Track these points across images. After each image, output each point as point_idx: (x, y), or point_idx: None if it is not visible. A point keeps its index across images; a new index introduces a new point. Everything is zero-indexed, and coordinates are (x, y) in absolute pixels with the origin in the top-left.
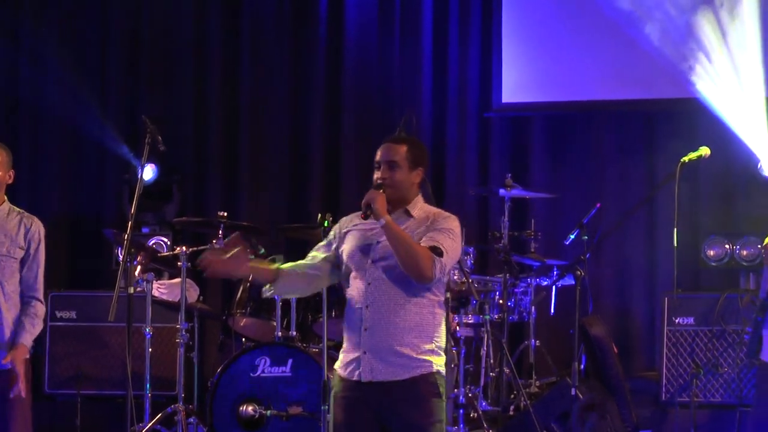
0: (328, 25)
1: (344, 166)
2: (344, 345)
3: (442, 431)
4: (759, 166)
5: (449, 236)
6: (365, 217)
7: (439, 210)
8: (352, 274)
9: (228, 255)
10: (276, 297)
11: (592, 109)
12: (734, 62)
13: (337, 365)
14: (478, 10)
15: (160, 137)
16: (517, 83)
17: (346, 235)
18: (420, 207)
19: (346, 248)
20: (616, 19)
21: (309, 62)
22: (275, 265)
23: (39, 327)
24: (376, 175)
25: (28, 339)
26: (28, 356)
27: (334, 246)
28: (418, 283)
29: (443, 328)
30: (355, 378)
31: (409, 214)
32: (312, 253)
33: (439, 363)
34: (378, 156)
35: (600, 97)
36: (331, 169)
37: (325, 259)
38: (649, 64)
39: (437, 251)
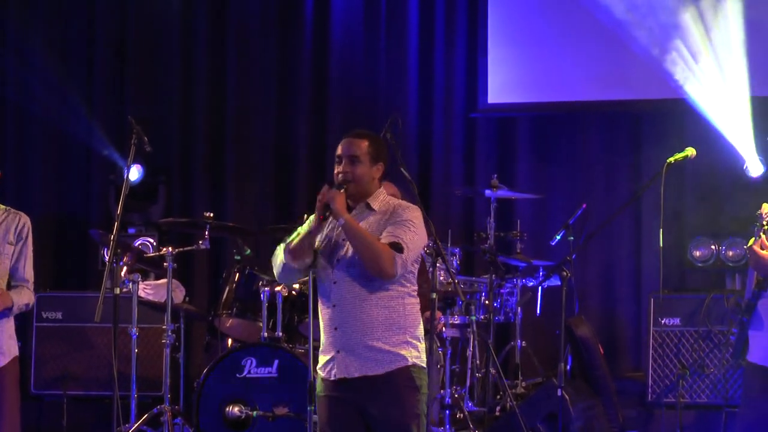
0: (314, 27)
1: (329, 167)
2: (321, 345)
3: (423, 425)
4: (745, 167)
5: (410, 228)
6: (323, 218)
7: (400, 201)
8: (320, 274)
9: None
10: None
11: (578, 110)
12: (720, 63)
13: (318, 366)
14: (464, 11)
15: (146, 138)
16: (502, 84)
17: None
18: (381, 200)
19: (318, 246)
20: (602, 20)
21: (295, 64)
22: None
23: (24, 301)
24: (337, 169)
25: (13, 297)
26: (17, 353)
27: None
28: (381, 280)
29: (417, 317)
30: (332, 377)
31: (370, 208)
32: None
33: (414, 355)
34: (339, 150)
35: (586, 97)
36: (316, 170)
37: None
38: (635, 64)
39: (397, 247)
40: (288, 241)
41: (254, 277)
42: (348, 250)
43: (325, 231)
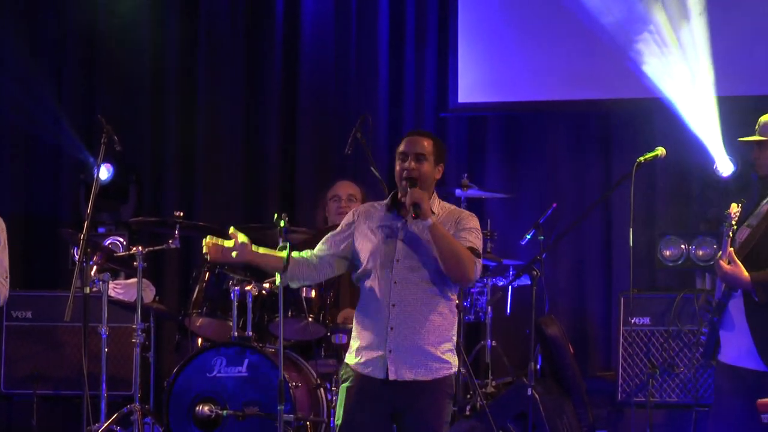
0: (285, 27)
1: (300, 167)
2: (361, 342)
3: (447, 430)
4: (714, 167)
5: (477, 235)
6: (415, 216)
7: (455, 206)
8: (374, 273)
9: (228, 243)
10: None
11: (548, 110)
12: (688, 63)
13: (352, 361)
14: (434, 10)
15: (116, 137)
16: (473, 83)
17: (362, 229)
18: (438, 203)
19: (365, 245)
20: (572, 20)
21: (265, 63)
22: (283, 254)
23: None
24: (402, 166)
25: None
26: None
27: (346, 238)
28: (456, 284)
29: (456, 324)
30: (378, 376)
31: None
32: (321, 245)
33: (455, 364)
34: (403, 147)
35: (556, 97)
36: (286, 170)
37: (334, 254)
38: (604, 64)
39: (475, 252)
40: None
41: (224, 277)
42: (408, 250)
43: (380, 230)
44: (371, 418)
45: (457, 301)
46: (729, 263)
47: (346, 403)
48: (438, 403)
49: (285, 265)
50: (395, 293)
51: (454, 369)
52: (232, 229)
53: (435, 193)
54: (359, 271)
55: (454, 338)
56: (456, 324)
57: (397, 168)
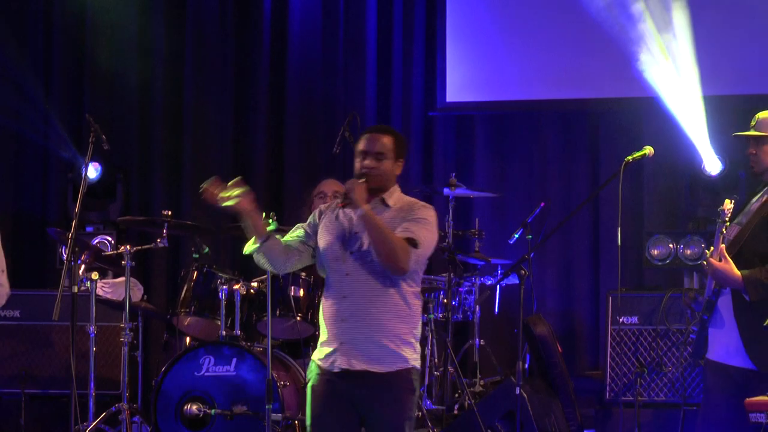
0: (272, 25)
1: (287, 166)
2: (322, 336)
3: (412, 428)
4: (702, 166)
5: (425, 226)
6: (344, 205)
7: (415, 200)
8: (330, 265)
9: (230, 190)
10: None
11: (536, 109)
12: (675, 63)
13: (315, 356)
14: (422, 9)
15: (104, 136)
16: (461, 82)
17: (323, 223)
18: (396, 197)
19: (323, 238)
20: (560, 19)
21: (253, 62)
22: (270, 227)
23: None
24: (360, 164)
25: None
26: None
27: (312, 230)
28: (393, 274)
29: (420, 319)
30: (333, 369)
31: (385, 204)
32: (291, 235)
33: (414, 357)
34: (362, 146)
35: (544, 96)
36: (274, 169)
37: (303, 241)
38: (592, 64)
39: (412, 242)
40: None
41: (212, 276)
42: (363, 243)
43: (336, 224)
44: (337, 414)
45: (417, 289)
46: (720, 260)
47: (312, 404)
48: (398, 398)
49: (267, 236)
50: (346, 285)
51: (413, 363)
52: (236, 180)
53: (397, 186)
54: (319, 264)
55: (416, 331)
56: (418, 315)
57: (357, 165)
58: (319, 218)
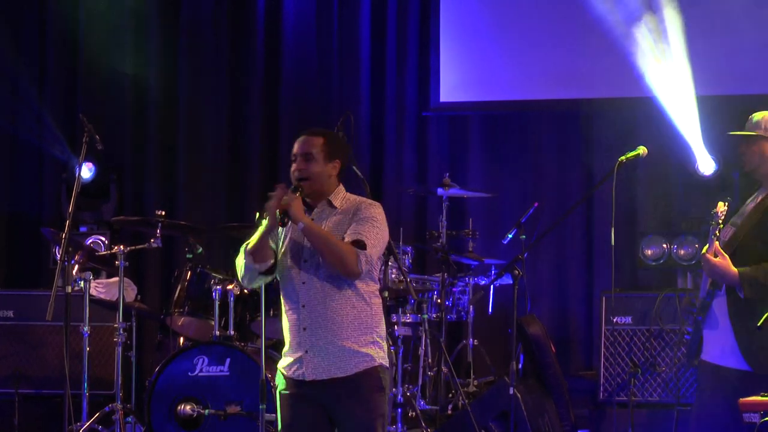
0: (266, 26)
1: (282, 166)
2: (285, 345)
3: (385, 425)
4: (696, 166)
5: (372, 225)
6: (282, 224)
7: (362, 198)
8: (285, 274)
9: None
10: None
11: (530, 109)
12: (669, 62)
13: (281, 365)
14: (416, 9)
15: (98, 136)
16: (455, 82)
17: (283, 232)
18: (342, 197)
19: (281, 249)
20: (553, 19)
21: (247, 62)
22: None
23: None
24: (293, 167)
25: None
26: None
27: (276, 240)
28: (346, 278)
29: (382, 317)
30: (299, 377)
31: (332, 206)
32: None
33: (380, 355)
34: (295, 149)
35: (537, 96)
36: (269, 169)
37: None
38: (586, 64)
39: (360, 244)
40: (247, 243)
41: (206, 276)
42: (310, 250)
43: (290, 232)
44: (307, 419)
45: (375, 287)
46: (716, 257)
47: (282, 412)
48: (365, 398)
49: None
50: (303, 293)
51: (380, 361)
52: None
53: (341, 187)
54: (278, 273)
55: (379, 329)
56: (379, 313)
57: (291, 170)
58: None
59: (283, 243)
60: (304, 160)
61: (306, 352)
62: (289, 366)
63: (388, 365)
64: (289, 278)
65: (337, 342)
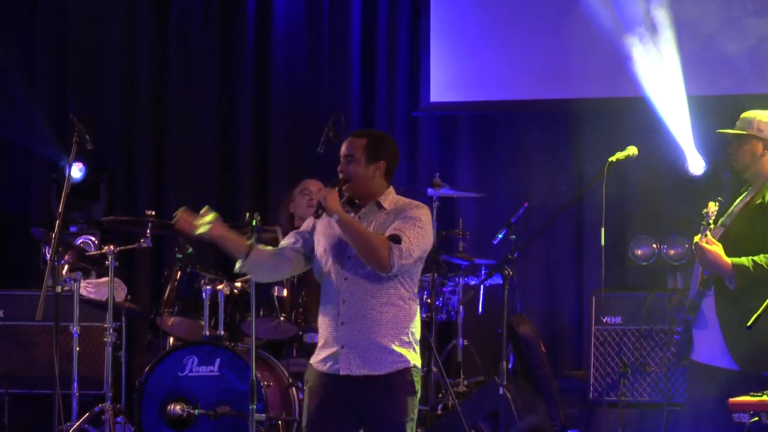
0: (257, 25)
1: (272, 166)
2: (320, 340)
3: (413, 429)
4: (686, 166)
5: (414, 224)
6: (317, 216)
7: (410, 200)
8: (326, 270)
9: (201, 218)
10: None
11: (520, 109)
12: (660, 62)
13: (313, 360)
14: (407, 9)
15: (88, 136)
16: (445, 83)
17: (320, 228)
18: (392, 199)
19: (320, 245)
20: (543, 19)
21: (237, 62)
22: (249, 242)
23: None
24: (339, 168)
25: None
26: None
27: (306, 237)
28: (378, 272)
29: (419, 321)
30: (333, 373)
31: (381, 206)
32: (284, 241)
33: (414, 357)
34: (341, 150)
35: (528, 96)
36: (258, 168)
37: (294, 248)
38: (576, 64)
39: (395, 239)
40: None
41: (196, 276)
42: None
43: (327, 229)
44: (333, 417)
45: (414, 290)
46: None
47: (308, 404)
48: (397, 399)
49: (247, 251)
50: (345, 289)
51: (413, 363)
52: (205, 208)
53: (391, 189)
54: (317, 270)
55: (414, 331)
56: (416, 316)
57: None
58: (314, 225)
59: (317, 241)
60: (346, 161)
61: (342, 347)
62: (324, 360)
63: (420, 367)
64: (330, 274)
65: (374, 339)
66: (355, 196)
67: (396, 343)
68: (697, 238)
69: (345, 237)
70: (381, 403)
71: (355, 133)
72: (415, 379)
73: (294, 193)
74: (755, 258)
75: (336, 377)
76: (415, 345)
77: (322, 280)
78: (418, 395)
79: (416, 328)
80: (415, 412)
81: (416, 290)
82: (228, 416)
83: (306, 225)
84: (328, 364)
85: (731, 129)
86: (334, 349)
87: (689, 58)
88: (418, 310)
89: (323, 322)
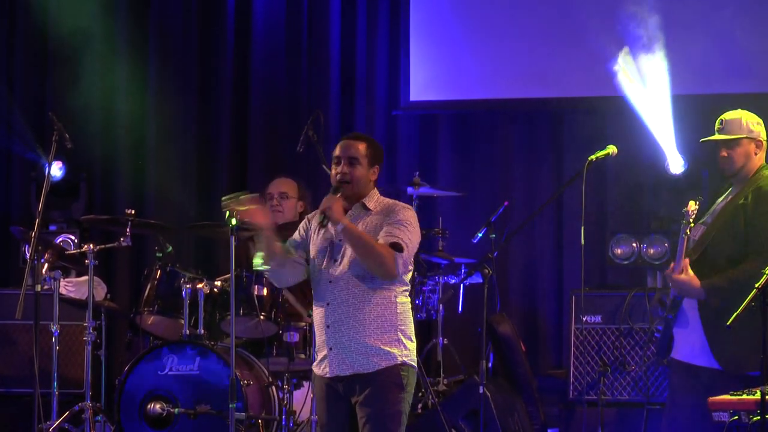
0: (236, 23)
1: (251, 165)
2: (315, 344)
3: (402, 423)
4: (666, 165)
5: (406, 228)
6: (322, 225)
7: (395, 201)
8: (317, 273)
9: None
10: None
11: (500, 108)
12: (641, 61)
13: (314, 364)
14: (386, 8)
15: (67, 135)
16: (425, 81)
17: (312, 231)
18: (376, 200)
19: (313, 247)
20: (524, 18)
21: (216, 60)
22: (285, 245)
23: None
24: (335, 170)
25: None
26: None
27: (303, 243)
28: (383, 280)
29: (409, 316)
30: (326, 374)
31: (366, 208)
32: (291, 246)
33: (403, 353)
34: (337, 151)
35: (508, 95)
36: (238, 168)
37: (298, 256)
38: (556, 62)
39: (397, 247)
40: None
41: (176, 275)
42: (345, 250)
43: (321, 232)
44: (338, 417)
45: (405, 288)
46: (681, 273)
47: (317, 408)
48: (383, 394)
49: (281, 262)
50: (329, 292)
51: (402, 359)
52: (247, 195)
53: (375, 190)
54: (311, 272)
55: (404, 328)
56: (405, 312)
57: (332, 172)
58: (309, 230)
59: (314, 243)
60: (348, 163)
61: (330, 349)
62: (318, 364)
63: (413, 364)
64: (318, 277)
65: (360, 339)
66: (345, 198)
67: (382, 341)
68: (671, 267)
69: (350, 245)
70: (366, 398)
71: (352, 135)
72: (403, 374)
73: (265, 194)
74: (730, 273)
75: (330, 379)
76: (405, 341)
77: (312, 282)
78: (409, 391)
79: (406, 325)
80: (403, 406)
81: (405, 288)
82: (208, 415)
83: (301, 231)
84: (322, 367)
85: (716, 133)
86: (324, 352)
87: (673, 57)
88: (408, 305)
89: (315, 325)
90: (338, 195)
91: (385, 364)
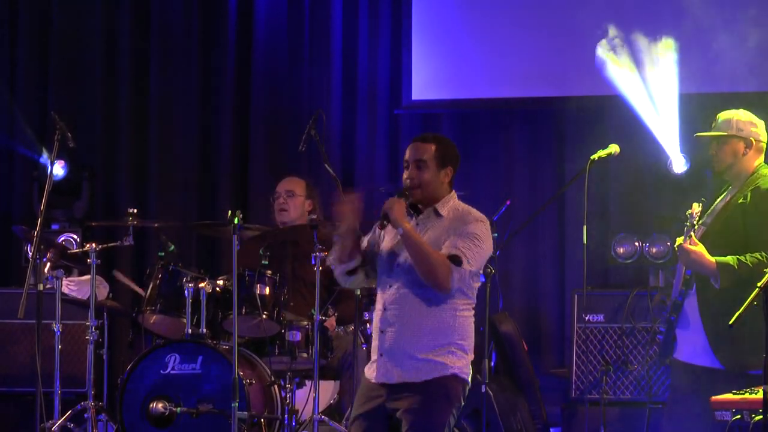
0: (238, 23)
1: (253, 164)
2: (371, 347)
3: None
4: (669, 164)
5: (474, 241)
6: (382, 226)
7: (470, 209)
8: (379, 277)
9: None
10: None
11: (502, 107)
12: (646, 60)
13: (366, 366)
14: (388, 6)
15: (69, 134)
16: (427, 80)
17: (383, 233)
18: (450, 205)
19: (381, 250)
20: (526, 16)
21: (218, 59)
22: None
23: None
24: (405, 174)
25: None
26: None
27: (370, 246)
28: (436, 291)
29: (468, 331)
30: (374, 379)
31: (438, 213)
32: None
33: (455, 365)
34: (406, 155)
35: (510, 94)
36: (240, 167)
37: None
38: (559, 61)
39: (456, 260)
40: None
41: (178, 274)
42: (407, 256)
43: (389, 235)
44: (368, 421)
45: (468, 302)
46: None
47: (354, 404)
48: (430, 404)
49: (354, 267)
50: (389, 297)
51: (453, 371)
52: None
53: (452, 194)
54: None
55: (461, 342)
56: (465, 327)
57: (404, 177)
58: (377, 233)
59: (381, 246)
60: (416, 167)
61: (381, 355)
62: (368, 366)
63: (465, 378)
64: (380, 281)
65: (411, 350)
66: (420, 201)
67: (434, 352)
68: (680, 240)
69: (407, 250)
70: (413, 408)
71: (421, 137)
72: (452, 385)
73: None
74: (740, 257)
75: (376, 385)
76: (459, 352)
77: (376, 286)
78: (457, 405)
79: (464, 339)
80: (449, 418)
81: (469, 302)
82: (210, 414)
83: (371, 235)
84: (370, 370)
85: (710, 131)
86: (375, 357)
87: (679, 55)
88: (470, 319)
89: (372, 329)
90: (402, 198)
91: (435, 375)
